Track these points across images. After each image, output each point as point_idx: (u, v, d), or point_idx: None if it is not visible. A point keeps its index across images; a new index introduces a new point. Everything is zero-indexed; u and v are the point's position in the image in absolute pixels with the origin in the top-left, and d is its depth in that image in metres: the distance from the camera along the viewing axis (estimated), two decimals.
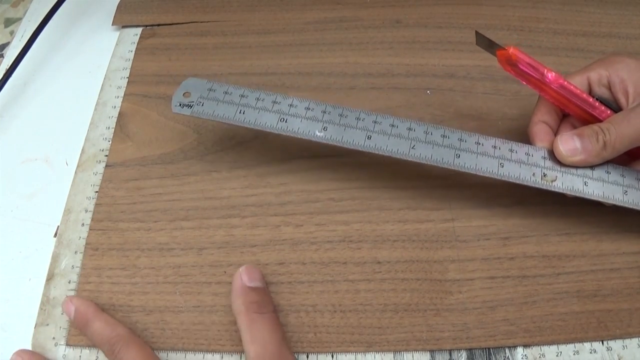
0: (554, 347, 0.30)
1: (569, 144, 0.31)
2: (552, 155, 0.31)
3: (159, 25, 0.45)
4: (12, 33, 0.50)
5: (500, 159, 0.31)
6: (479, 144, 0.32)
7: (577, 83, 0.32)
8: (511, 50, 0.30)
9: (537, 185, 0.30)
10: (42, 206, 0.36)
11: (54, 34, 0.46)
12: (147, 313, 0.31)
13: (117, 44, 0.44)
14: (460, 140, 0.32)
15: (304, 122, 0.32)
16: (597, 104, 0.31)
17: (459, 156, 0.31)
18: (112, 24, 0.45)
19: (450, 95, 0.40)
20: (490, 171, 0.31)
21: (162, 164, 0.37)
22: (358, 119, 0.32)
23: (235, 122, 0.32)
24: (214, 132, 0.38)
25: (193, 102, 0.33)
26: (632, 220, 0.33)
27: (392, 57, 0.42)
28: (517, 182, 0.31)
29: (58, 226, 0.35)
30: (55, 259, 0.33)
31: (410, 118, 0.32)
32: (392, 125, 0.32)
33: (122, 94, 0.41)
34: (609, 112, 0.31)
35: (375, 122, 0.32)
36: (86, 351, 0.30)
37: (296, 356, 0.30)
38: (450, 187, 0.35)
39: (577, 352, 0.30)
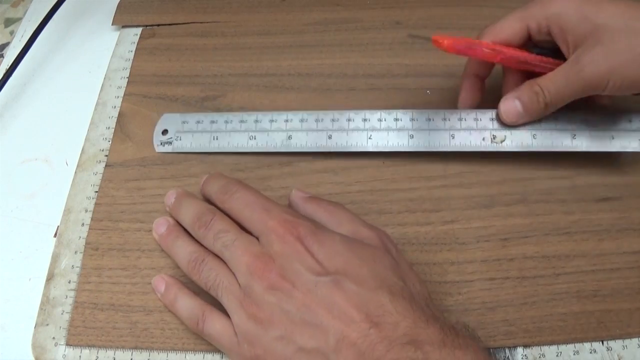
0: (554, 347, 0.30)
1: (511, 108, 0.32)
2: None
3: (158, 25, 0.45)
4: (12, 33, 0.50)
5: (451, 130, 0.32)
6: (430, 119, 0.33)
7: (517, 34, 0.32)
8: (433, 39, 0.30)
9: (488, 149, 0.31)
10: (42, 206, 0.36)
11: (54, 34, 0.46)
12: (147, 313, 0.31)
13: (117, 44, 0.44)
14: (412, 120, 0.33)
15: (271, 134, 0.34)
16: (539, 60, 0.32)
17: (413, 137, 0.32)
18: (112, 24, 0.45)
19: (450, 95, 0.40)
20: (443, 144, 0.32)
21: (163, 165, 0.37)
22: (317, 120, 0.34)
23: (212, 150, 0.34)
24: None
25: (172, 138, 0.35)
26: (632, 220, 0.33)
27: (391, 58, 0.42)
28: (469, 150, 0.31)
29: (58, 226, 0.35)
30: (55, 259, 0.33)
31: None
32: (349, 120, 0.34)
33: (122, 94, 0.41)
34: (552, 61, 0.31)
35: (333, 120, 0.34)
36: (86, 351, 0.30)
37: None
38: (450, 187, 0.35)
39: (577, 352, 0.30)
